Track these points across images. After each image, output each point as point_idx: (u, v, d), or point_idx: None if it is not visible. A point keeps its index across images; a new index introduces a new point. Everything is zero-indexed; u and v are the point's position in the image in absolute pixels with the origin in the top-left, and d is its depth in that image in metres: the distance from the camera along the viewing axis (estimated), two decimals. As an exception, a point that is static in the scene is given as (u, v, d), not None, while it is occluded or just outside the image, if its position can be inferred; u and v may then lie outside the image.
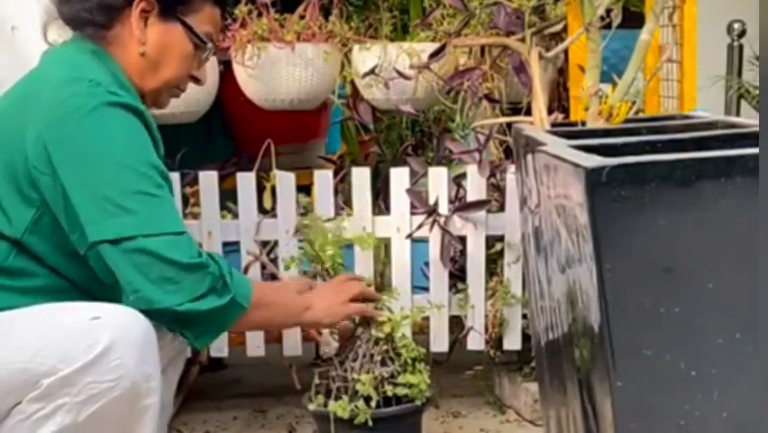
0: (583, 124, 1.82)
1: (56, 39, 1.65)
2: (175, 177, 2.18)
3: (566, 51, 2.22)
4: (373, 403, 1.79)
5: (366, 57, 2.32)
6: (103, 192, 1.44)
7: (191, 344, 1.56)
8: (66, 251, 1.51)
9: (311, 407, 1.86)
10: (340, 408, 1.78)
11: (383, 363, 1.84)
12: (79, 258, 1.50)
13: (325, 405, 1.82)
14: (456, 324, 2.31)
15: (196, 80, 1.73)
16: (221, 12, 1.71)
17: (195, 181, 2.23)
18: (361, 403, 1.77)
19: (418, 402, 1.84)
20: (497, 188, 2.27)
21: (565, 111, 2.34)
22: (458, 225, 2.22)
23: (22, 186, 1.48)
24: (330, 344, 2.03)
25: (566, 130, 1.68)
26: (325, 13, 2.35)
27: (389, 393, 1.81)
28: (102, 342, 1.38)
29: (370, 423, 1.78)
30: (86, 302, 1.48)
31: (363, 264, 2.21)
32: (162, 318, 1.47)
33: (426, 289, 2.27)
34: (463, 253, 2.24)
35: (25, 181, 1.48)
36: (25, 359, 1.37)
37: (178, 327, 1.51)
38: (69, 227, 1.48)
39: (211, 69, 2.32)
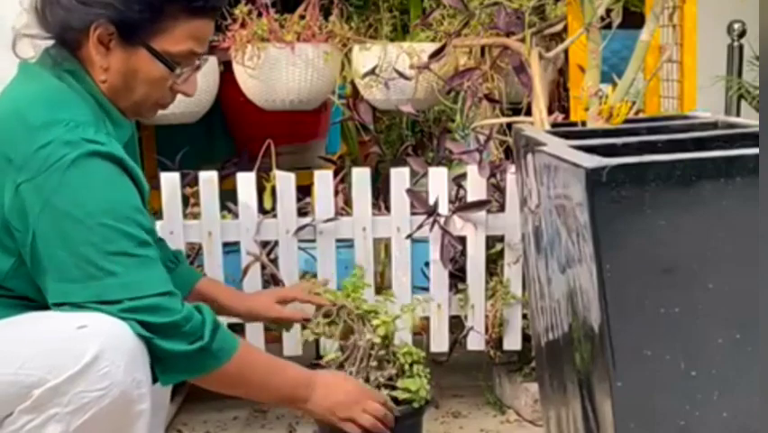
0: (583, 124, 1.82)
1: (32, 50, 1.56)
2: (175, 177, 2.18)
3: (566, 51, 2.22)
4: None
5: (366, 57, 2.32)
6: (83, 253, 1.39)
7: (158, 378, 1.49)
8: None
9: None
10: None
11: (380, 368, 1.84)
12: None
13: None
14: (456, 324, 2.31)
15: (184, 94, 1.62)
16: (211, 19, 1.58)
17: (195, 181, 2.23)
18: None
19: (416, 405, 1.84)
20: (497, 189, 2.27)
21: (565, 111, 2.34)
22: (458, 225, 2.21)
23: (1, 235, 1.43)
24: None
25: (566, 130, 1.68)
26: (325, 13, 2.35)
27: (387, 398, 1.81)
28: (90, 351, 1.36)
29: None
30: (72, 312, 1.43)
31: (363, 264, 2.21)
32: None
33: (426, 289, 2.27)
34: (463, 253, 2.24)
35: (3, 231, 1.43)
36: (12, 371, 1.35)
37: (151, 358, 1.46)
38: (40, 280, 1.44)
39: (211, 70, 2.32)
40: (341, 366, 1.86)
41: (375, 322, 1.85)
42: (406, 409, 1.82)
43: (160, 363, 1.46)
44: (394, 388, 1.82)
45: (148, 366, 1.44)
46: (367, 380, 1.82)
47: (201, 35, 1.57)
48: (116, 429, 1.41)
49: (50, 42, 1.55)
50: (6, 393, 1.36)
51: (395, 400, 1.82)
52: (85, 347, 1.36)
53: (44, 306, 1.46)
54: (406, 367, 1.85)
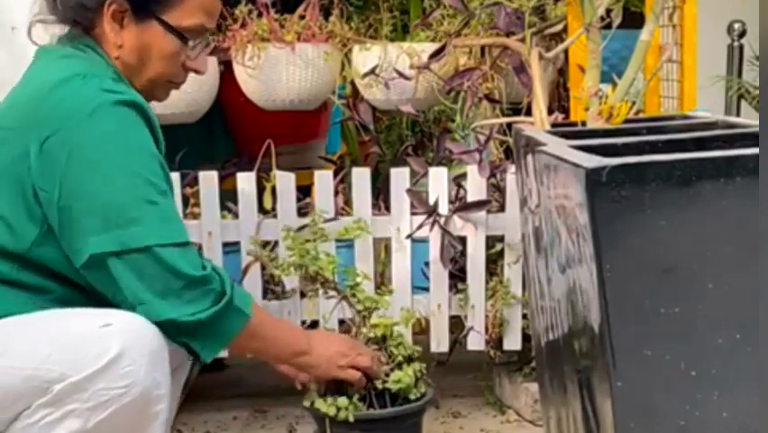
0: (583, 124, 1.82)
1: (47, 37, 1.61)
2: (175, 177, 2.17)
3: (566, 51, 2.22)
4: (356, 398, 1.79)
5: (366, 57, 2.32)
6: (106, 202, 1.41)
7: (199, 356, 1.51)
8: None
9: (305, 404, 1.87)
10: (324, 404, 1.78)
11: None
12: None
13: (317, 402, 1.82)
14: (456, 324, 2.31)
15: (196, 71, 1.65)
16: None
17: (195, 181, 2.23)
18: (342, 400, 1.77)
19: (412, 397, 1.84)
20: (497, 189, 2.27)
21: (565, 111, 2.34)
22: (458, 225, 2.21)
23: (29, 200, 1.45)
24: None
25: (566, 130, 1.68)
26: (325, 13, 2.35)
27: (379, 386, 1.81)
28: (113, 349, 1.37)
29: (369, 423, 1.78)
30: (96, 309, 1.45)
31: (363, 263, 2.21)
32: (167, 330, 1.45)
33: (426, 289, 2.27)
34: (463, 253, 2.24)
35: (31, 196, 1.45)
36: (34, 366, 1.37)
37: (184, 338, 1.48)
38: (65, 242, 1.45)
39: (211, 70, 2.32)
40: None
41: (373, 321, 1.86)
42: (407, 407, 1.83)
43: (197, 340, 1.47)
44: (384, 381, 1.83)
45: (168, 367, 1.44)
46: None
47: (211, 9, 1.61)
48: (133, 428, 1.42)
49: (64, 30, 1.59)
50: (26, 387, 1.37)
51: (389, 392, 1.82)
52: (108, 345, 1.37)
53: (64, 292, 1.48)
54: (401, 360, 1.85)
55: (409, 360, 1.87)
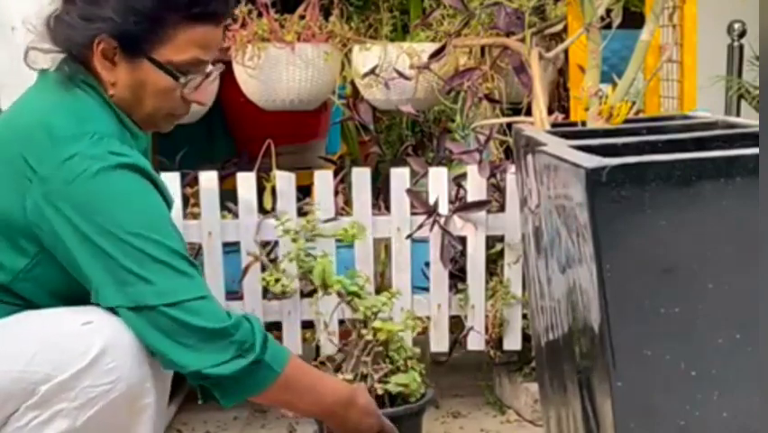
0: (583, 124, 1.82)
1: (47, 60, 1.55)
2: (175, 177, 2.18)
3: (566, 51, 2.22)
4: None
5: (366, 57, 2.32)
6: (115, 262, 1.39)
7: (219, 402, 1.47)
8: (61, 297, 1.47)
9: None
10: None
11: (375, 363, 1.85)
12: (76, 303, 1.45)
13: None
14: (456, 324, 2.31)
15: (198, 103, 1.60)
16: (214, 25, 1.54)
17: (195, 181, 2.23)
18: None
19: (413, 399, 1.84)
20: (497, 189, 2.27)
21: (565, 111, 2.34)
22: (458, 225, 2.22)
23: (16, 237, 1.43)
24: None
25: (566, 130, 1.68)
26: (325, 13, 2.35)
27: (380, 391, 1.81)
28: (96, 346, 1.37)
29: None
30: (76, 307, 1.44)
31: (363, 264, 2.21)
32: (188, 377, 1.43)
33: (426, 289, 2.27)
34: (463, 253, 2.24)
35: (21, 234, 1.42)
36: (20, 368, 1.37)
37: (203, 384, 1.45)
38: (82, 280, 1.44)
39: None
40: (338, 368, 1.87)
41: (377, 325, 1.86)
42: (406, 407, 1.83)
43: (216, 389, 1.44)
44: (387, 383, 1.83)
45: (152, 360, 1.44)
46: (363, 376, 1.83)
47: (205, 42, 1.53)
48: (122, 423, 1.42)
49: (64, 55, 1.54)
50: (13, 390, 1.37)
51: (393, 397, 1.83)
52: (90, 343, 1.37)
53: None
54: (401, 363, 1.85)
55: (408, 361, 1.87)
